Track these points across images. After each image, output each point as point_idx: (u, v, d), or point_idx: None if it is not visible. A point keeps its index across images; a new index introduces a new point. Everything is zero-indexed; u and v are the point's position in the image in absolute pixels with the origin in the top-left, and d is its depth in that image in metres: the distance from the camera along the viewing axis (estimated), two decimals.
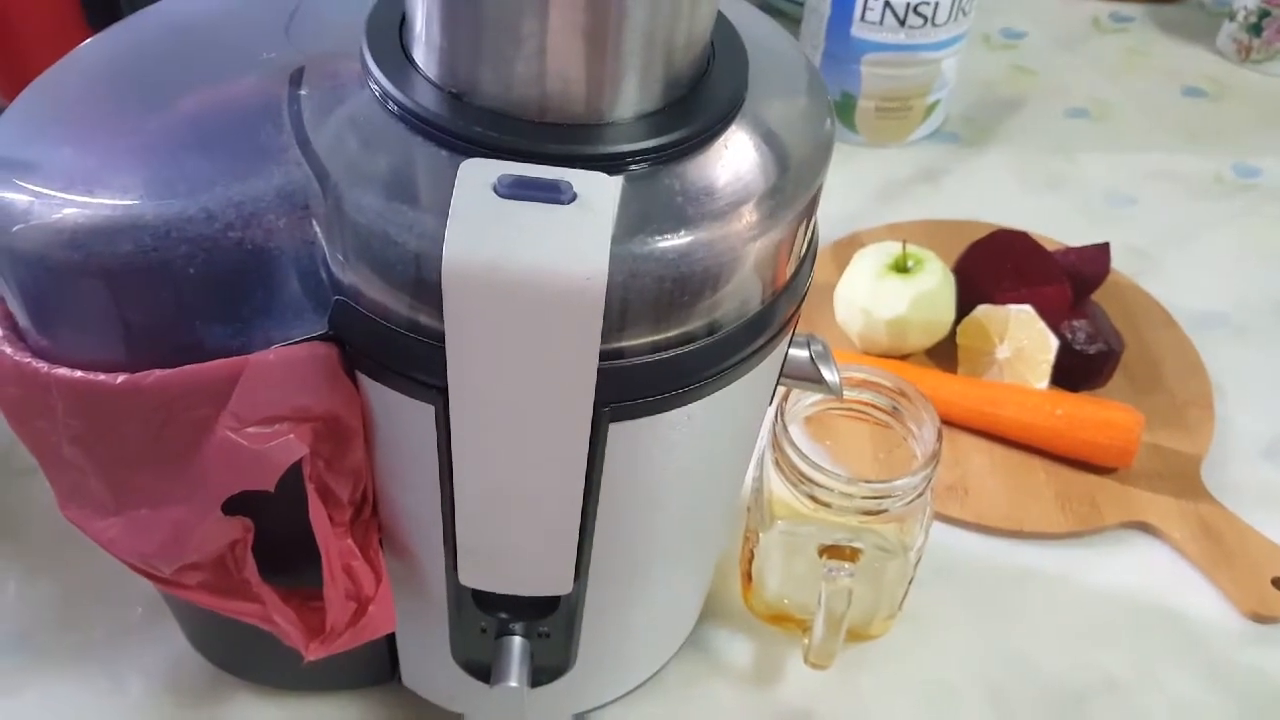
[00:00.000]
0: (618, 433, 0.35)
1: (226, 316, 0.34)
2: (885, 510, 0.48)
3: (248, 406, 0.34)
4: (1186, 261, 0.79)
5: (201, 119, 0.34)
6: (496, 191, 0.29)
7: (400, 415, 0.35)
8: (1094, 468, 0.62)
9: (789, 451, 0.48)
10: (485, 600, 0.42)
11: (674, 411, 0.35)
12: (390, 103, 0.32)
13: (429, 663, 0.48)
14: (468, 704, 0.49)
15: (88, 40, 0.38)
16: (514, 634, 0.43)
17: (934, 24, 0.82)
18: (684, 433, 0.37)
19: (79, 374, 0.34)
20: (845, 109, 0.88)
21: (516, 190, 0.29)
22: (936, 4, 0.81)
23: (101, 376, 0.34)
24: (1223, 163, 0.90)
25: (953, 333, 0.68)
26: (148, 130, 0.34)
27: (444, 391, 0.32)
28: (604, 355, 0.31)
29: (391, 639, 0.48)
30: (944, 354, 0.68)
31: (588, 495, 0.36)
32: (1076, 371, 0.65)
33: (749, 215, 0.32)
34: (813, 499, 0.48)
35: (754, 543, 0.53)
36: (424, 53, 0.32)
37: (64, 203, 0.32)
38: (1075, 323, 0.66)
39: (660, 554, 0.43)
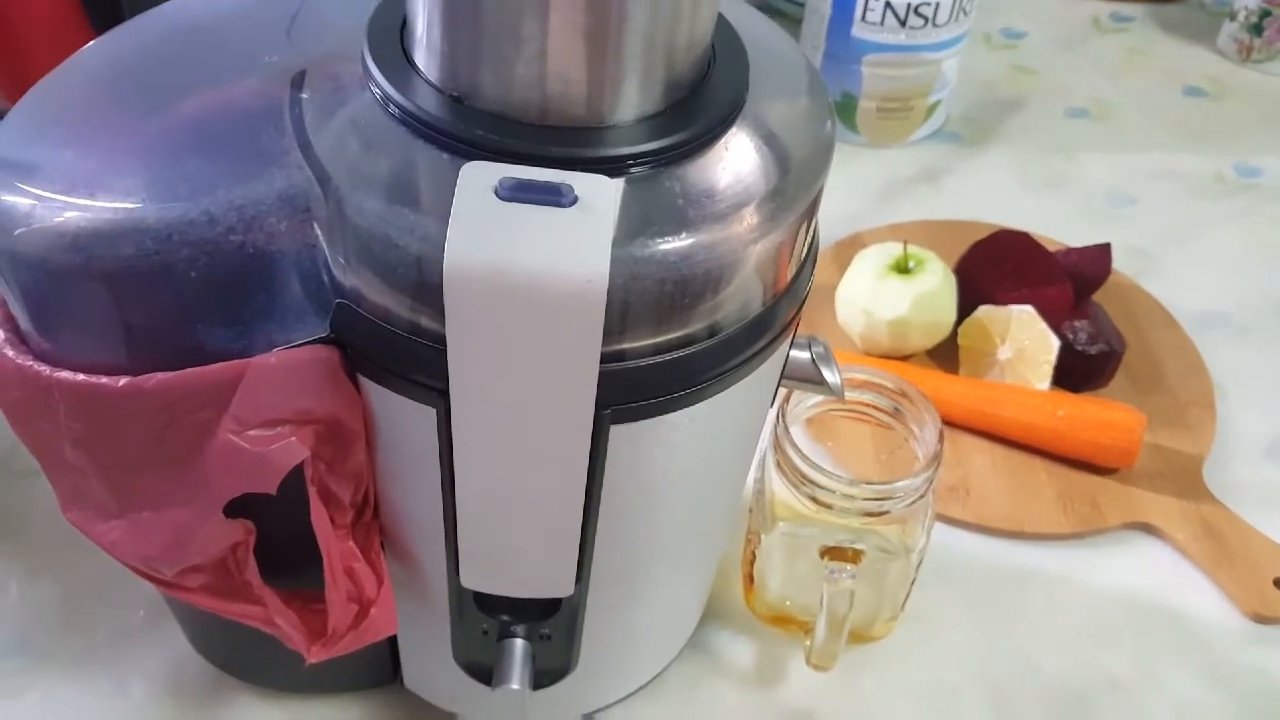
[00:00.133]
0: (619, 435, 0.35)
1: (228, 319, 0.34)
2: (887, 512, 0.48)
3: (249, 409, 0.34)
4: (1188, 261, 0.79)
5: (203, 122, 0.34)
6: (498, 194, 0.29)
7: (402, 418, 0.35)
8: (1095, 468, 0.62)
9: (790, 453, 0.48)
10: (487, 602, 0.42)
11: (675, 414, 0.35)
12: (391, 106, 0.32)
13: (430, 665, 0.48)
14: (469, 706, 0.49)
15: (90, 43, 0.38)
16: (516, 636, 0.43)
17: (934, 24, 0.82)
18: (685, 435, 0.37)
19: (81, 377, 0.34)
20: (846, 109, 0.88)
21: (517, 193, 0.29)
22: (937, 4, 0.81)
23: (103, 379, 0.34)
24: (1224, 162, 0.89)
25: (954, 333, 0.68)
26: (149, 133, 0.34)
27: (445, 394, 0.32)
28: (605, 358, 0.31)
29: (393, 641, 0.48)
30: (945, 355, 0.68)
31: (589, 497, 0.36)
32: (1078, 372, 0.65)
33: (750, 217, 0.32)
34: (814, 500, 0.48)
35: (756, 544, 0.53)
36: (425, 56, 0.32)
37: (66, 206, 0.32)
38: (1077, 323, 0.66)
39: (662, 556, 0.43)
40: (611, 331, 0.31)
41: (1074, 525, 0.60)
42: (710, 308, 0.33)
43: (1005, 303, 0.66)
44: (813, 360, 0.42)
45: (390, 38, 0.34)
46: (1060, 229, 0.79)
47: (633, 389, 0.34)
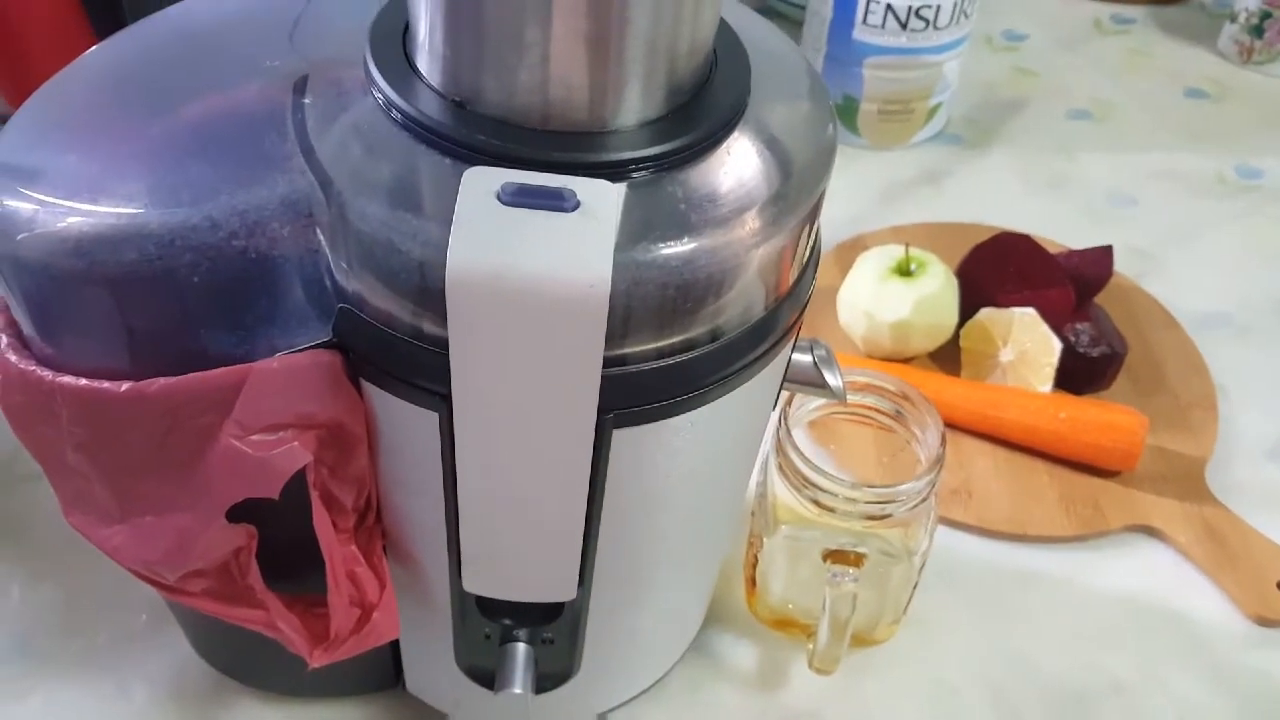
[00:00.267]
0: (621, 439, 0.35)
1: (230, 324, 0.34)
2: (889, 515, 0.48)
3: (252, 414, 0.34)
4: (1189, 262, 0.79)
5: (205, 127, 0.34)
6: (500, 199, 0.29)
7: (404, 422, 0.35)
8: (1098, 471, 0.62)
9: (793, 456, 0.48)
10: (489, 606, 0.42)
11: (677, 418, 0.35)
12: (394, 111, 0.32)
13: (433, 669, 0.48)
14: (472, 710, 0.49)
15: (92, 48, 0.38)
16: (518, 640, 0.43)
17: (935, 27, 0.82)
18: (687, 439, 0.37)
19: (83, 381, 0.34)
20: (848, 112, 0.88)
21: (520, 198, 0.29)
22: (938, 7, 0.81)
23: (106, 384, 0.34)
24: (1225, 163, 0.90)
25: (956, 336, 0.68)
26: (152, 138, 0.34)
27: (448, 399, 0.32)
28: (607, 362, 0.31)
29: (395, 645, 0.48)
30: (947, 357, 0.68)
31: (591, 501, 0.36)
32: (1080, 374, 0.65)
33: (752, 222, 0.32)
34: (817, 504, 0.48)
35: (758, 548, 0.53)
36: (427, 61, 0.32)
37: (68, 211, 0.32)
38: (1078, 325, 0.65)
39: (664, 559, 0.43)
40: (614, 336, 0.31)
41: (1076, 528, 0.60)
42: (712, 312, 0.33)
43: (1007, 305, 0.66)
44: (815, 363, 0.42)
45: (393, 42, 0.34)
46: (1062, 230, 0.79)
47: (635, 393, 0.34)
